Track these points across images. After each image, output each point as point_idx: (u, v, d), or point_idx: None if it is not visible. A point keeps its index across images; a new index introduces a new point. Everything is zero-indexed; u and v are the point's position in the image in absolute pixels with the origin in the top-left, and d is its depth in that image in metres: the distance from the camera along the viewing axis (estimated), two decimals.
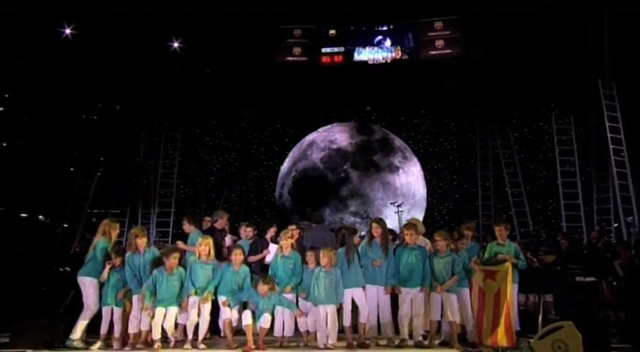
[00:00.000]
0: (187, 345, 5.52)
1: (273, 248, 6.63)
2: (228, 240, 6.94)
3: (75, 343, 5.40)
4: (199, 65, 12.85)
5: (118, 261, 5.77)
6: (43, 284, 6.70)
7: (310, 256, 5.99)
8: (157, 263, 5.70)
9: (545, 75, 11.82)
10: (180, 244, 6.39)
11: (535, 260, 8.60)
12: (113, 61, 11.66)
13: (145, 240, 5.77)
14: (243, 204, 13.89)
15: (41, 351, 5.33)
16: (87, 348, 5.46)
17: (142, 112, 12.95)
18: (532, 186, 12.68)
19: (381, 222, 6.15)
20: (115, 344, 5.56)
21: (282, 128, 14.52)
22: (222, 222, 6.93)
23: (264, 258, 6.69)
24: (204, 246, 5.82)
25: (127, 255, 5.72)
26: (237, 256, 5.87)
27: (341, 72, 13.38)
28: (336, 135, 14.61)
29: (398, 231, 7.49)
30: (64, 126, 11.86)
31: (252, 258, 6.63)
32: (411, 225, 6.21)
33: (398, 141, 14.36)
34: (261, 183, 14.38)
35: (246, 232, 6.87)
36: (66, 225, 12.03)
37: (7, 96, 10.93)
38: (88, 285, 5.58)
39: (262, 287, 5.69)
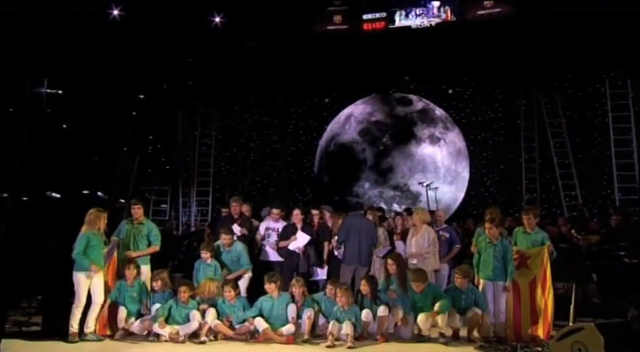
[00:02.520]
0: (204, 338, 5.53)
1: (301, 236, 6.52)
2: (236, 229, 6.81)
3: (89, 336, 5.45)
4: (241, 39, 12.68)
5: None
6: None
7: (330, 289, 5.85)
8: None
9: (600, 33, 10.82)
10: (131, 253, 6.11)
11: (580, 237, 8.13)
12: (158, 41, 11.74)
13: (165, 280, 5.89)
14: (282, 180, 13.89)
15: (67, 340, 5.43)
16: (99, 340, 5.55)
17: (180, 90, 13.05)
18: (584, 156, 11.84)
19: (397, 258, 5.92)
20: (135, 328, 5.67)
21: (320, 102, 14.27)
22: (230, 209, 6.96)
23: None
24: (228, 291, 5.82)
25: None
26: (229, 293, 5.84)
27: (382, 39, 12.80)
28: (375, 107, 14.26)
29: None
30: (113, 107, 12.20)
31: (282, 244, 6.65)
32: (417, 273, 5.77)
33: (438, 111, 13.81)
34: (300, 158, 14.28)
35: (274, 215, 6.83)
36: (123, 201, 12.55)
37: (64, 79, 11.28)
38: (77, 280, 5.54)
39: (269, 286, 5.72)
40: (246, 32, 12.53)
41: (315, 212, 6.94)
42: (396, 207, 13.36)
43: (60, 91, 11.39)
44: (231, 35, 12.45)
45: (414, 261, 6.33)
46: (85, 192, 12.17)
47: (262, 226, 6.94)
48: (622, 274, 7.03)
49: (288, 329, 5.49)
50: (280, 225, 6.83)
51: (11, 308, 6.72)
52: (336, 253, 6.59)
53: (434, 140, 13.69)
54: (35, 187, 10.64)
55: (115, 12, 11.46)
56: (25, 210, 9.85)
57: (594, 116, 11.66)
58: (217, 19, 12.20)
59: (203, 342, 5.43)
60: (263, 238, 6.84)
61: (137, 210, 6.26)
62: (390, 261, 5.87)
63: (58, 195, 11.65)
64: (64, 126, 11.40)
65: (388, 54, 12.70)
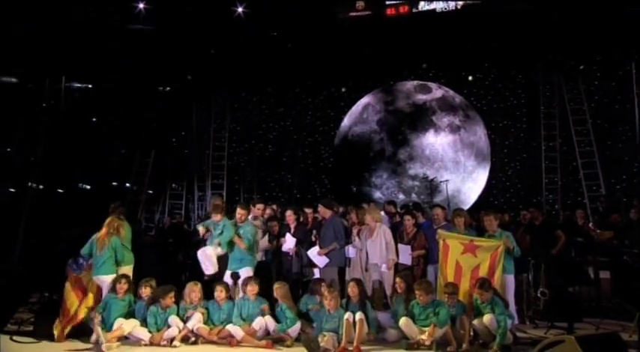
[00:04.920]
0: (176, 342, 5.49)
1: (289, 239, 6.42)
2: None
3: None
4: (264, 29, 12.54)
5: None
6: None
7: (319, 288, 5.77)
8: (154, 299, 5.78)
9: (627, 11, 10.10)
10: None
11: (598, 232, 7.75)
12: (182, 34, 11.77)
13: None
14: (298, 171, 13.78)
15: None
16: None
17: (197, 83, 13.07)
18: (612, 143, 11.18)
19: (405, 277, 5.75)
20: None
21: (337, 91, 14.04)
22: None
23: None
24: (219, 291, 5.83)
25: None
26: (220, 293, 5.82)
27: (403, 26, 12.36)
28: (393, 96, 13.93)
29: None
30: (139, 100, 12.41)
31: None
32: (423, 284, 5.55)
33: (458, 99, 13.37)
34: (317, 148, 14.12)
35: (255, 211, 6.73)
36: (150, 192, 12.81)
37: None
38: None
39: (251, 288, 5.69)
40: (268, 21, 12.38)
41: (308, 210, 6.79)
42: (414, 197, 13.11)
43: (90, 85, 11.71)
44: (252, 25, 12.33)
45: (375, 261, 6.20)
46: (114, 183, 12.58)
47: None
48: (635, 273, 6.63)
49: (259, 322, 5.50)
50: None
51: (21, 305, 6.89)
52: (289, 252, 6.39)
53: (454, 128, 13.30)
54: (55, 181, 10.99)
55: (141, 5, 11.57)
56: (44, 204, 10.18)
57: (621, 101, 10.97)
58: (240, 9, 12.09)
59: (175, 346, 5.39)
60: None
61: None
62: (398, 280, 5.70)
63: (88, 187, 12.02)
64: (85, 120, 11.73)
65: (409, 40, 12.29)
